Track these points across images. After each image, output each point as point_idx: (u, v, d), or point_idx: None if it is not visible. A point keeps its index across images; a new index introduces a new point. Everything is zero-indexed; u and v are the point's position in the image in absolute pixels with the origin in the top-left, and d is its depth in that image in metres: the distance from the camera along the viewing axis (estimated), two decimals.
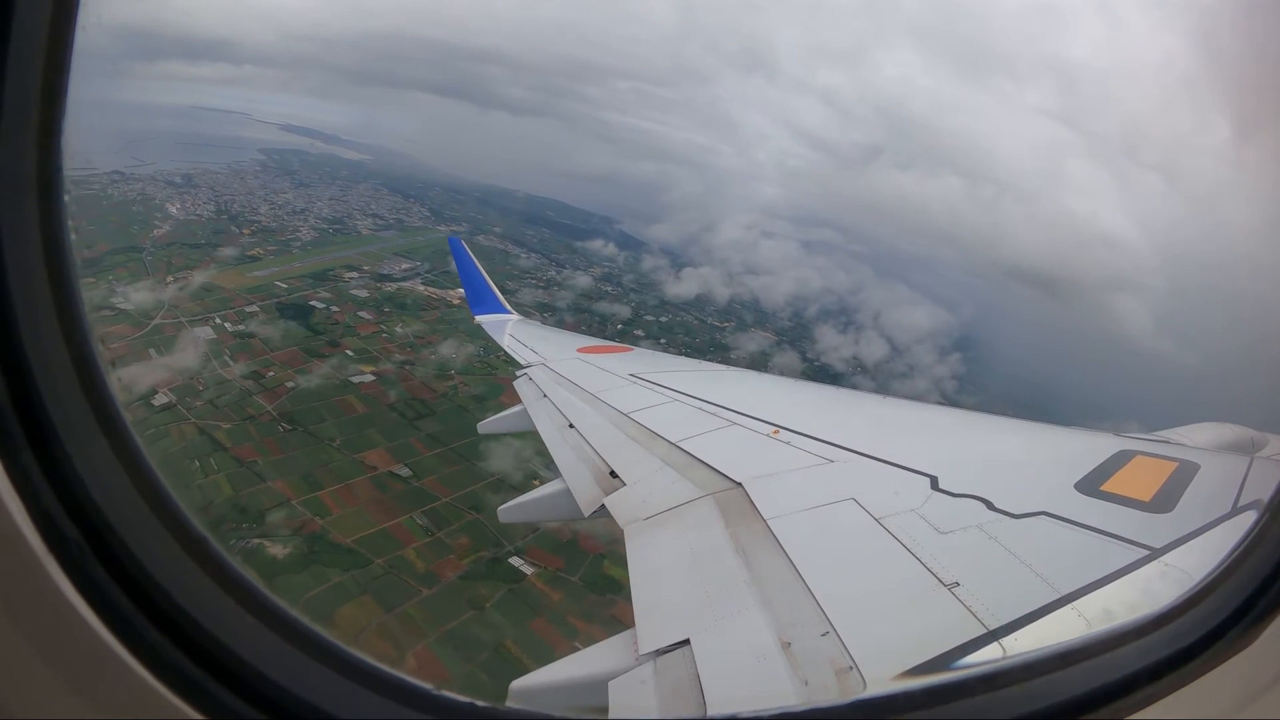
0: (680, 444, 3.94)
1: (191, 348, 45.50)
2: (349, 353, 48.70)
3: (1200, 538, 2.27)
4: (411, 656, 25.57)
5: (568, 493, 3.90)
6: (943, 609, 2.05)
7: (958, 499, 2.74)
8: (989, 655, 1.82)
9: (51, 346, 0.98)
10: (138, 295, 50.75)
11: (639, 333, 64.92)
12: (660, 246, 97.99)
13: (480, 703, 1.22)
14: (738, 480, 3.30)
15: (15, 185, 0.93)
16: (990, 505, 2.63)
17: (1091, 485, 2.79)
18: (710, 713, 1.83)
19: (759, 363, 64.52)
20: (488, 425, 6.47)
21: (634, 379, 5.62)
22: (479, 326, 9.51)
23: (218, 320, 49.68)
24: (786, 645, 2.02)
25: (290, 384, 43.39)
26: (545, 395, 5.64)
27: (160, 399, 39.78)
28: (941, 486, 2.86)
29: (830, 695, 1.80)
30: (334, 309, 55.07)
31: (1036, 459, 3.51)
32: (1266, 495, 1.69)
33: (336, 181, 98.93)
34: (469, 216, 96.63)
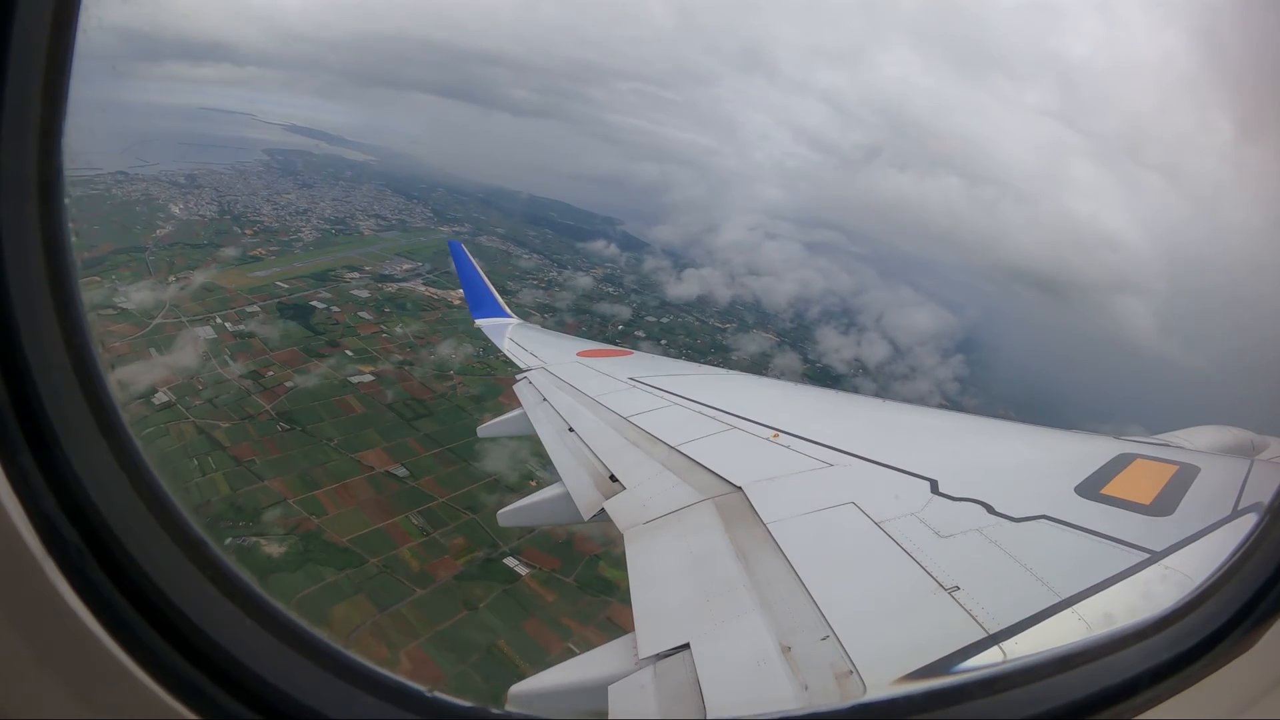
0: (680, 448, 3.94)
1: (191, 347, 45.60)
2: (348, 353, 48.78)
3: (1201, 541, 2.27)
4: (404, 656, 25.58)
5: (567, 496, 3.90)
6: (943, 613, 2.05)
7: (958, 503, 2.74)
8: (989, 659, 1.82)
9: (51, 349, 0.98)
10: (139, 295, 50.92)
11: (639, 334, 64.96)
12: (662, 248, 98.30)
13: (472, 705, 1.22)
14: (738, 484, 3.29)
15: (16, 187, 0.93)
16: (990, 509, 2.63)
17: (1092, 489, 2.78)
18: (710, 717, 1.82)
19: (760, 364, 64.54)
20: (487, 429, 6.47)
21: (634, 383, 5.62)
22: (479, 328, 9.53)
23: (218, 320, 49.78)
24: (787, 649, 2.02)
25: (289, 384, 43.47)
26: (545, 399, 5.64)
27: (160, 398, 39.89)
28: (941, 490, 2.86)
29: (830, 700, 1.80)
30: (334, 309, 55.16)
31: (1036, 463, 3.50)
32: (1267, 498, 1.69)
33: (340, 182, 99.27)
34: (472, 217, 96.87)
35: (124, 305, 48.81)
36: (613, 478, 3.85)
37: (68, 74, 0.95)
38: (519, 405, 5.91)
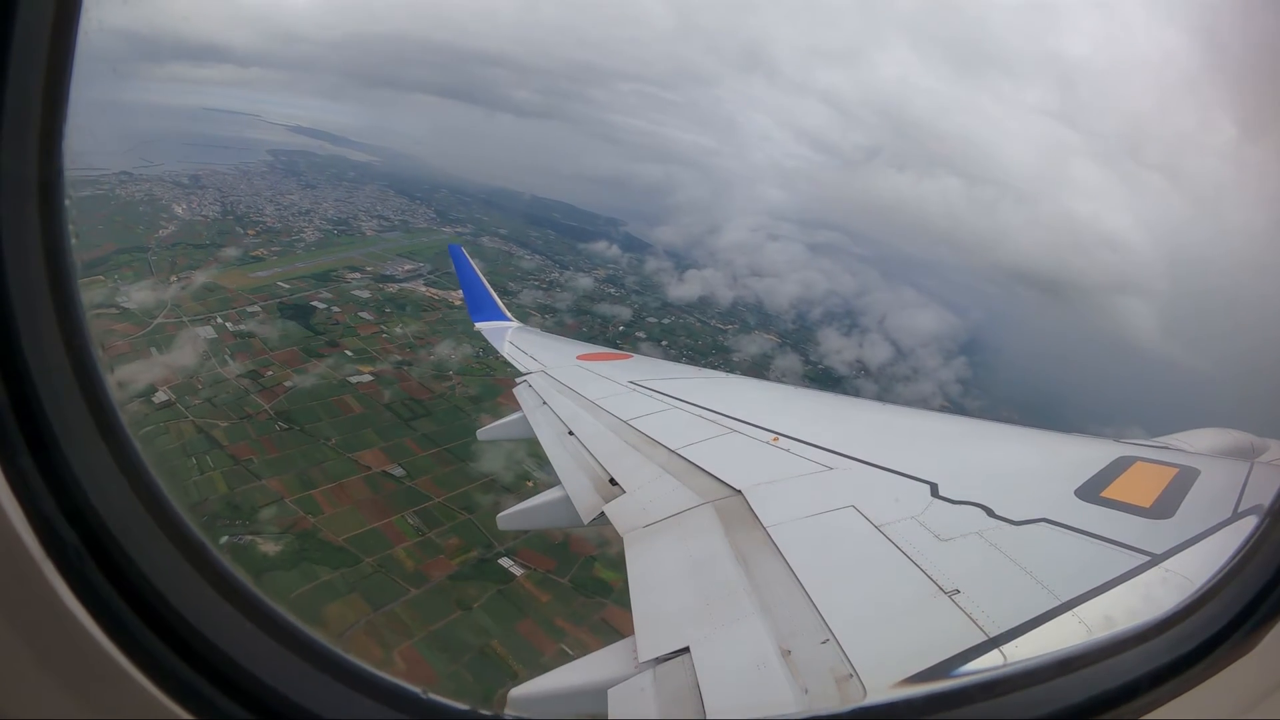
0: (680, 451, 3.94)
1: (191, 346, 45.68)
2: (348, 353, 48.80)
3: (1201, 543, 2.27)
4: (397, 656, 25.54)
5: (567, 500, 3.89)
6: (943, 616, 2.05)
7: (958, 506, 2.74)
8: (990, 662, 1.81)
9: (51, 351, 0.98)
10: (141, 294, 51.00)
11: (640, 334, 64.93)
12: (665, 248, 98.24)
13: (467, 707, 1.22)
14: (738, 488, 3.29)
15: (16, 189, 0.93)
16: (990, 512, 2.63)
17: (1092, 491, 2.78)
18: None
19: (761, 365, 64.51)
20: (487, 432, 6.47)
21: (633, 386, 5.63)
22: (479, 331, 9.53)
23: (219, 320, 49.83)
24: (786, 653, 2.01)
25: (288, 383, 43.50)
26: (545, 403, 5.64)
27: (160, 397, 39.94)
28: (942, 493, 2.86)
29: (830, 703, 1.80)
30: (335, 309, 55.20)
31: (1036, 466, 3.50)
32: (1267, 500, 1.69)
33: (344, 183, 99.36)
34: (474, 218, 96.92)
35: (125, 305, 48.89)
36: (613, 481, 3.85)
37: (69, 75, 0.95)
38: (518, 406, 5.92)
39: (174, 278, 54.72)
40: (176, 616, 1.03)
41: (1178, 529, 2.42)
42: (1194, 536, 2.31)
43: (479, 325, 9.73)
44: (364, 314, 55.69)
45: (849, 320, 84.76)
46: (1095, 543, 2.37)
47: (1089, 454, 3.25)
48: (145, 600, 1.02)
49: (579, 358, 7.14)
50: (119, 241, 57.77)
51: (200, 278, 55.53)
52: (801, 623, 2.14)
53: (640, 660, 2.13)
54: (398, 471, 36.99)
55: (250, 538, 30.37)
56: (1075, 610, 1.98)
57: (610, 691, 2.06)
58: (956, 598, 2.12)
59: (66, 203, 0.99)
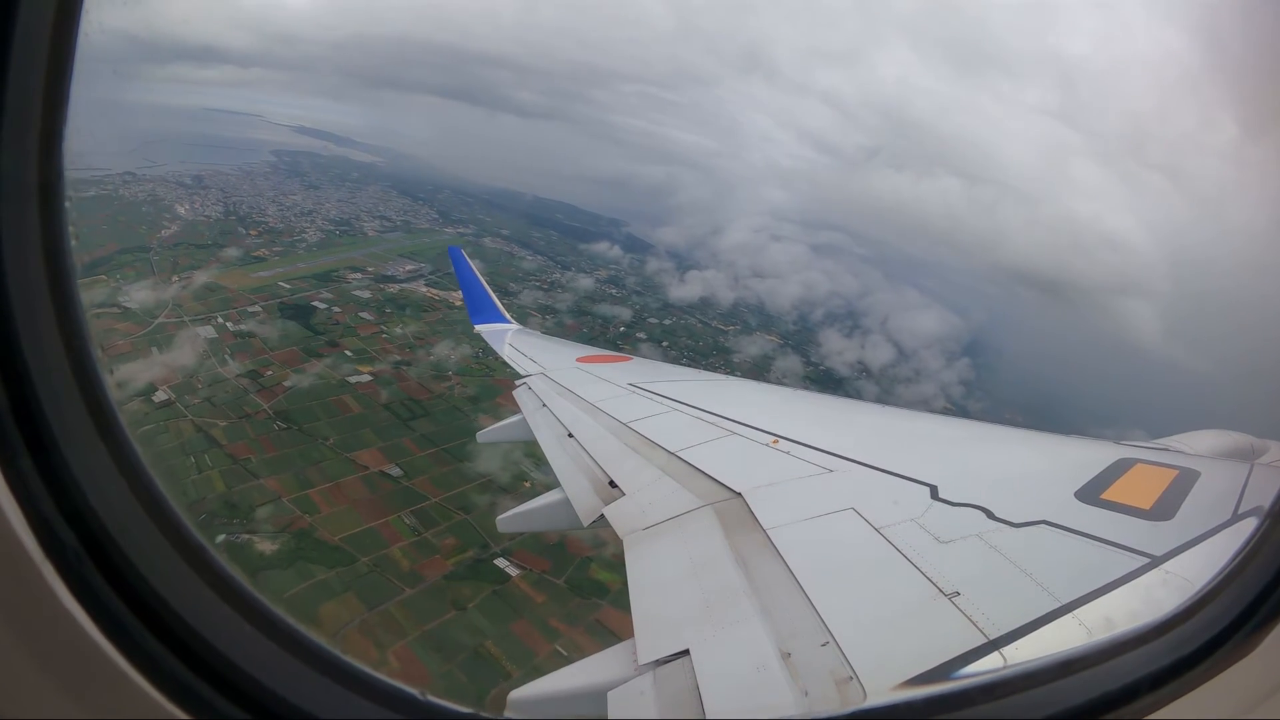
0: (679, 454, 3.93)
1: (191, 346, 45.74)
2: (348, 353, 48.85)
3: (1201, 545, 2.27)
4: (391, 655, 25.50)
5: (567, 502, 3.89)
6: (943, 619, 2.04)
7: (958, 508, 2.73)
8: (990, 665, 1.81)
9: (51, 352, 0.98)
10: (142, 294, 51.13)
11: (641, 335, 64.94)
12: (666, 249, 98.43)
13: (466, 709, 1.22)
14: (737, 490, 3.28)
15: (16, 190, 0.93)
16: (990, 514, 2.62)
17: (1092, 494, 2.78)
18: None
19: (761, 366, 64.48)
20: (487, 435, 6.45)
21: (633, 388, 5.62)
22: (479, 334, 9.54)
23: (219, 319, 49.90)
24: (786, 655, 2.01)
25: (287, 383, 43.55)
26: (545, 405, 5.64)
27: (159, 396, 39.98)
28: (941, 496, 2.86)
29: (830, 706, 1.79)
30: (335, 309, 55.27)
31: (1036, 468, 3.49)
32: (1267, 502, 1.69)
33: (347, 183, 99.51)
34: (476, 219, 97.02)
35: (127, 304, 48.99)
36: (612, 484, 3.84)
37: (69, 77, 0.95)
38: (516, 408, 5.92)
39: (175, 277, 54.85)
40: (175, 618, 1.03)
41: (1178, 531, 2.42)
42: (1194, 538, 2.31)
43: (479, 328, 9.74)
44: (364, 314, 55.77)
45: (851, 321, 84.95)
46: (1095, 545, 2.36)
47: (1089, 456, 3.25)
48: (144, 602, 1.02)
49: (578, 360, 7.14)
50: (122, 241, 57.92)
51: (201, 277, 55.67)
52: (801, 625, 2.14)
53: (640, 663, 2.13)
54: (395, 471, 37.02)
55: (247, 536, 30.40)
56: (1076, 612, 1.97)
57: (610, 694, 2.06)
58: (957, 600, 2.11)
59: (66, 204, 0.99)
